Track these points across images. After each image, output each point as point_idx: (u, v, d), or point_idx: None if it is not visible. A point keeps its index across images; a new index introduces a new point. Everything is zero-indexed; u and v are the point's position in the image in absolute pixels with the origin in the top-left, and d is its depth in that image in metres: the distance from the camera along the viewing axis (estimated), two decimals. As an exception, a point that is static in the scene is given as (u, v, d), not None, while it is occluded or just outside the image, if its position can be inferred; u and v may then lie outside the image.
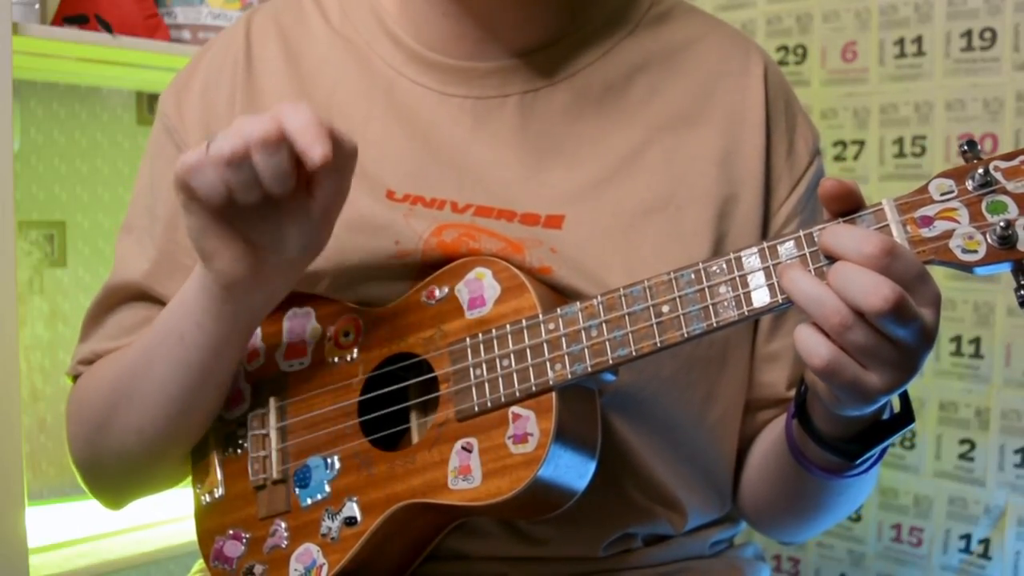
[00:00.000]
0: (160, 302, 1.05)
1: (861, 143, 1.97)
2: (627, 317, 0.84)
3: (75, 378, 1.10)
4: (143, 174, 1.10)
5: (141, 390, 0.97)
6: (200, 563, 1.10)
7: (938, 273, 1.89)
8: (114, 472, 1.06)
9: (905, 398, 0.87)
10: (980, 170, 0.76)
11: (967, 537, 1.84)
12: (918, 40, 1.88)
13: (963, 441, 1.85)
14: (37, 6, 1.64)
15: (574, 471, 0.88)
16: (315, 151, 0.78)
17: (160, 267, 1.05)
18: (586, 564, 1.00)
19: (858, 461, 0.88)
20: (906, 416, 0.86)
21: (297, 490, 0.96)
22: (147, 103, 2.07)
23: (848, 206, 0.79)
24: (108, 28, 1.65)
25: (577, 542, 0.99)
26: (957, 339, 1.85)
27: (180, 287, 1.02)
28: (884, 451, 0.90)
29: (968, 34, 1.82)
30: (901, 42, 1.90)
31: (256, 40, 1.07)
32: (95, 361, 1.07)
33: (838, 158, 1.99)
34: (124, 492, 1.10)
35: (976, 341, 1.83)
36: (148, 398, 0.97)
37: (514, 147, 0.99)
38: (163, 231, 1.05)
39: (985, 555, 1.82)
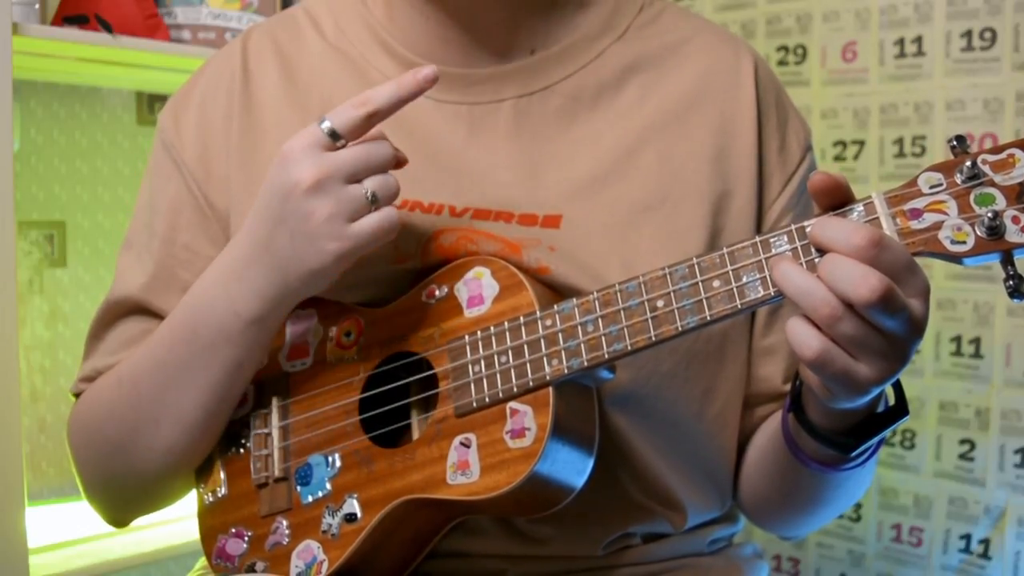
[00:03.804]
0: (158, 316, 1.06)
1: (861, 143, 1.97)
2: (622, 312, 0.85)
3: (77, 396, 1.10)
4: (143, 191, 1.11)
5: (168, 415, 0.98)
6: (201, 562, 1.11)
7: (938, 273, 1.89)
8: (130, 491, 1.07)
9: (899, 391, 0.87)
10: (968, 163, 0.77)
11: (967, 537, 1.84)
12: (918, 40, 1.88)
13: (963, 441, 1.85)
14: (37, 6, 1.64)
15: (572, 467, 0.88)
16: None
17: (158, 281, 1.06)
18: (585, 562, 1.01)
19: (853, 454, 0.89)
20: (900, 409, 0.87)
21: (298, 488, 0.96)
22: (147, 103, 2.07)
23: (837, 200, 0.80)
24: (108, 28, 1.65)
25: (577, 541, 0.99)
26: (957, 339, 1.85)
27: (178, 301, 1.03)
28: (880, 444, 0.91)
29: (968, 34, 1.82)
30: (901, 42, 1.91)
31: (253, 56, 1.08)
32: (97, 379, 1.07)
33: (838, 158, 2.00)
34: (135, 509, 1.11)
35: (976, 341, 1.83)
36: (177, 421, 0.98)
37: (510, 150, 1.00)
38: (160, 245, 1.07)
39: (985, 555, 1.82)
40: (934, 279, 1.83)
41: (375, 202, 0.88)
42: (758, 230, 1.02)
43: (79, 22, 1.66)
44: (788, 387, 1.03)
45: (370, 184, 0.88)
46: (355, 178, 0.88)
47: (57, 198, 1.95)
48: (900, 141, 1.91)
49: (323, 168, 0.87)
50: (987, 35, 1.79)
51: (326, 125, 0.88)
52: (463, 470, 0.88)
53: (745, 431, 1.06)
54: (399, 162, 0.92)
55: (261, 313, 0.93)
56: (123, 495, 1.08)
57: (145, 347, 1.01)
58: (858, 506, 1.98)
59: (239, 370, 0.96)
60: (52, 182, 1.95)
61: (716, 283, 0.82)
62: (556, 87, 1.02)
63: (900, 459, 1.92)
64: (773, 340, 1.04)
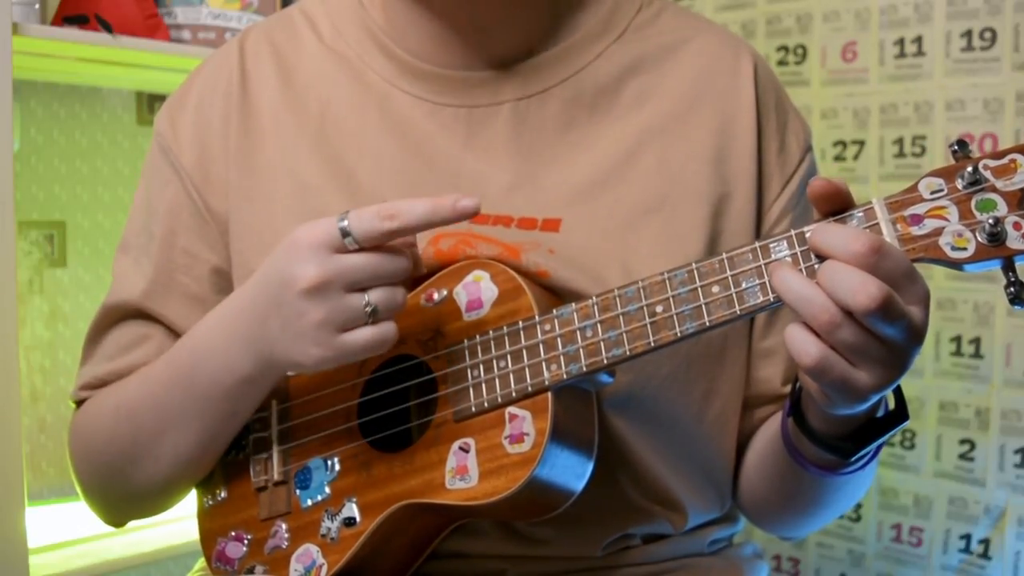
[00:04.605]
0: (157, 320, 1.06)
1: (861, 143, 1.97)
2: (621, 317, 0.85)
3: (78, 403, 1.10)
4: (140, 194, 1.11)
5: (166, 451, 0.98)
6: (200, 562, 1.11)
7: (938, 273, 1.89)
8: (129, 504, 1.08)
9: (899, 396, 0.87)
10: (969, 168, 0.77)
11: (967, 537, 1.84)
12: (918, 40, 1.88)
13: (963, 441, 1.85)
14: (37, 6, 1.64)
15: (571, 471, 0.88)
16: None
17: (156, 285, 1.06)
18: (585, 562, 1.01)
19: (853, 459, 0.89)
20: (900, 414, 0.87)
21: (298, 491, 0.96)
22: (147, 103, 2.07)
23: (837, 205, 0.80)
24: (108, 28, 1.65)
25: (577, 542, 0.99)
26: (957, 339, 1.85)
27: (176, 306, 1.03)
28: (880, 448, 0.90)
29: (968, 34, 1.82)
30: (901, 42, 1.90)
31: (250, 58, 1.08)
32: (97, 386, 1.08)
33: (838, 158, 1.99)
34: (133, 516, 1.11)
35: (976, 341, 1.83)
36: (175, 456, 0.98)
37: (509, 154, 1.00)
38: (159, 249, 1.06)
39: (985, 555, 1.82)
40: (934, 279, 1.83)
41: (374, 315, 0.84)
42: (758, 232, 1.02)
43: (79, 22, 1.66)
44: (787, 389, 1.03)
45: (373, 297, 0.84)
46: (359, 287, 0.84)
47: (57, 198, 1.95)
48: (900, 141, 1.91)
49: (327, 272, 0.83)
50: (987, 35, 1.79)
51: (343, 225, 0.83)
52: (462, 475, 0.88)
53: (744, 433, 1.06)
54: (416, 267, 0.89)
55: (253, 374, 0.92)
56: (121, 506, 1.08)
57: (144, 379, 1.01)
58: (858, 506, 1.98)
59: (232, 419, 0.96)
60: (52, 182, 1.94)
61: (715, 288, 0.82)
62: (554, 90, 1.01)
63: (900, 459, 1.92)
64: (773, 342, 1.04)
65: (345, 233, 0.83)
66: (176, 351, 0.98)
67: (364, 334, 0.84)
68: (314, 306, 0.84)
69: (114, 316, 1.08)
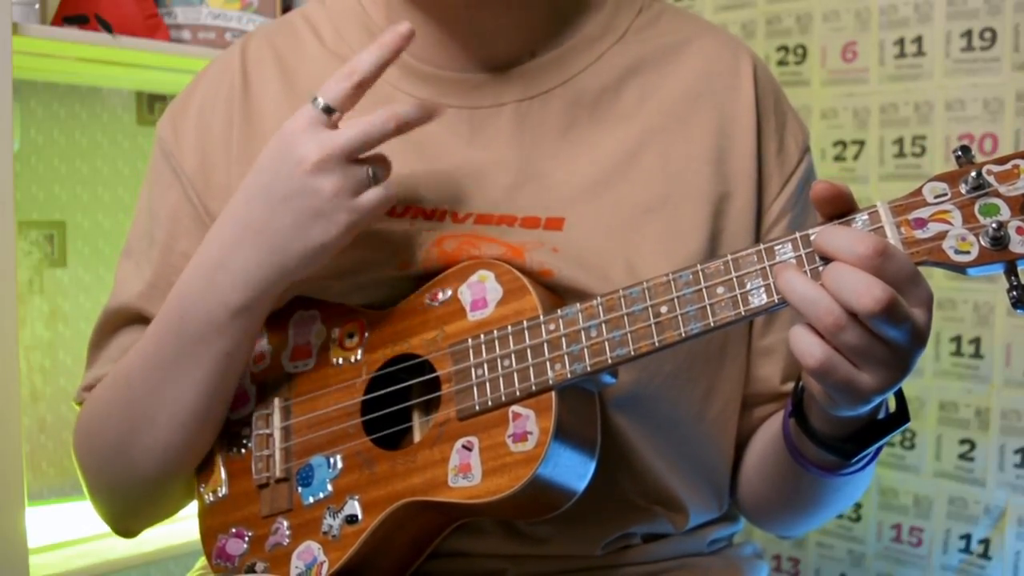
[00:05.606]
0: None
1: (861, 143, 1.97)
2: (626, 318, 0.85)
3: (81, 405, 1.10)
4: (142, 199, 1.11)
5: (163, 412, 0.98)
6: (201, 562, 1.11)
7: (937, 273, 1.89)
8: (133, 496, 1.07)
9: (900, 398, 0.88)
10: (973, 173, 0.77)
11: (967, 537, 1.84)
12: (918, 40, 1.88)
13: (963, 441, 1.85)
14: (37, 6, 1.64)
15: (573, 471, 0.88)
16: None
17: (155, 289, 1.06)
18: (584, 561, 1.01)
19: (854, 460, 0.89)
20: (901, 415, 0.87)
21: (299, 488, 0.96)
22: (147, 103, 2.07)
23: (840, 209, 0.81)
24: (108, 28, 1.65)
25: (577, 541, 1.00)
26: (957, 339, 1.85)
27: None
28: (880, 449, 0.91)
29: (968, 34, 1.82)
30: (901, 42, 1.91)
31: (252, 63, 1.08)
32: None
33: (838, 158, 1.99)
34: (139, 516, 1.11)
35: (976, 341, 1.83)
36: (172, 417, 0.98)
37: (511, 155, 1.00)
38: (159, 254, 1.07)
39: (985, 555, 1.82)
40: (934, 279, 1.83)
41: (376, 179, 0.91)
42: (757, 231, 1.02)
43: (79, 22, 1.66)
44: (786, 387, 1.04)
45: (370, 164, 0.91)
46: (355, 157, 0.91)
47: (57, 198, 1.95)
48: (900, 141, 1.91)
49: (326, 147, 0.89)
50: (987, 35, 1.79)
51: (320, 102, 0.91)
52: (465, 473, 0.88)
53: (743, 432, 1.06)
54: (398, 129, 0.93)
55: (248, 301, 0.93)
56: (127, 500, 1.08)
57: (138, 345, 1.02)
58: (858, 506, 1.99)
59: (229, 360, 0.96)
60: (52, 182, 1.94)
61: (720, 290, 0.82)
62: (556, 91, 1.02)
63: (900, 459, 1.92)
64: (772, 340, 1.04)
65: (327, 110, 0.91)
66: (164, 308, 0.99)
67: (375, 193, 0.91)
68: (326, 178, 0.90)
69: (117, 321, 1.08)
